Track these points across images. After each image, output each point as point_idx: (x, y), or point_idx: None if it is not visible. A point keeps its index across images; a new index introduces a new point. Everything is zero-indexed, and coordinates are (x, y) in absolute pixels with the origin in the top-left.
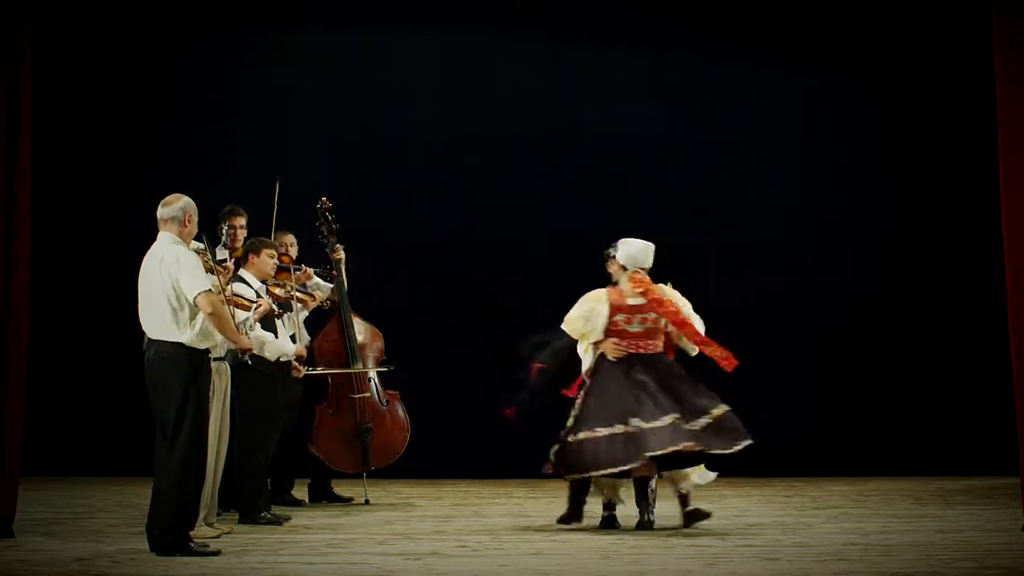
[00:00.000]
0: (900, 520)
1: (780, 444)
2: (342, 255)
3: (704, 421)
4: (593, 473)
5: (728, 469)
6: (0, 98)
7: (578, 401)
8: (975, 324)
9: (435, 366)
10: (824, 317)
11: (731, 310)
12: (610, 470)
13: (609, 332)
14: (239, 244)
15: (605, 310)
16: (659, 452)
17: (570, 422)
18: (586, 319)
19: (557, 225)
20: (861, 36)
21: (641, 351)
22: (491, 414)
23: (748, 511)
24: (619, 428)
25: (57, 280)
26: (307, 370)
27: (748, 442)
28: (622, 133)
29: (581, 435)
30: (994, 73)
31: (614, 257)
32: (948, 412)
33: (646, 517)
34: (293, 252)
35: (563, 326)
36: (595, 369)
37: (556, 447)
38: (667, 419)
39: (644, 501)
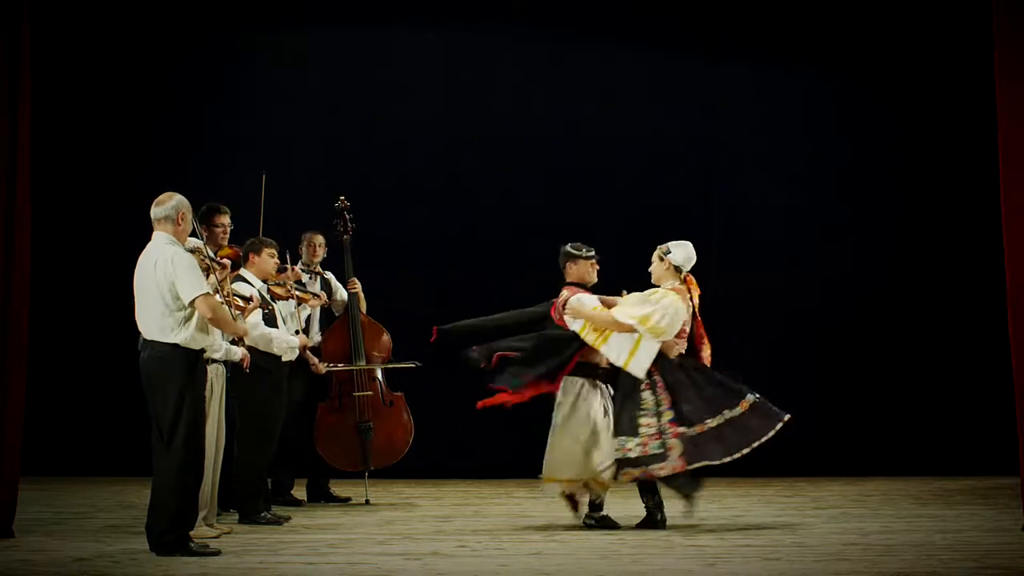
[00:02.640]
0: (900, 520)
1: (780, 444)
2: (358, 288)
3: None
4: (718, 461)
5: (728, 469)
6: (0, 98)
7: (659, 394)
8: (975, 324)
9: (435, 366)
10: (824, 317)
11: (731, 310)
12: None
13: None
14: (225, 242)
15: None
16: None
17: (666, 415)
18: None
19: (557, 225)
20: (861, 36)
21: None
22: (491, 414)
23: (748, 511)
24: (717, 420)
25: (57, 280)
26: (327, 367)
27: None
28: (622, 133)
29: (697, 428)
30: (994, 73)
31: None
32: (948, 412)
33: (659, 515)
34: (321, 253)
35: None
36: (659, 366)
37: (672, 441)
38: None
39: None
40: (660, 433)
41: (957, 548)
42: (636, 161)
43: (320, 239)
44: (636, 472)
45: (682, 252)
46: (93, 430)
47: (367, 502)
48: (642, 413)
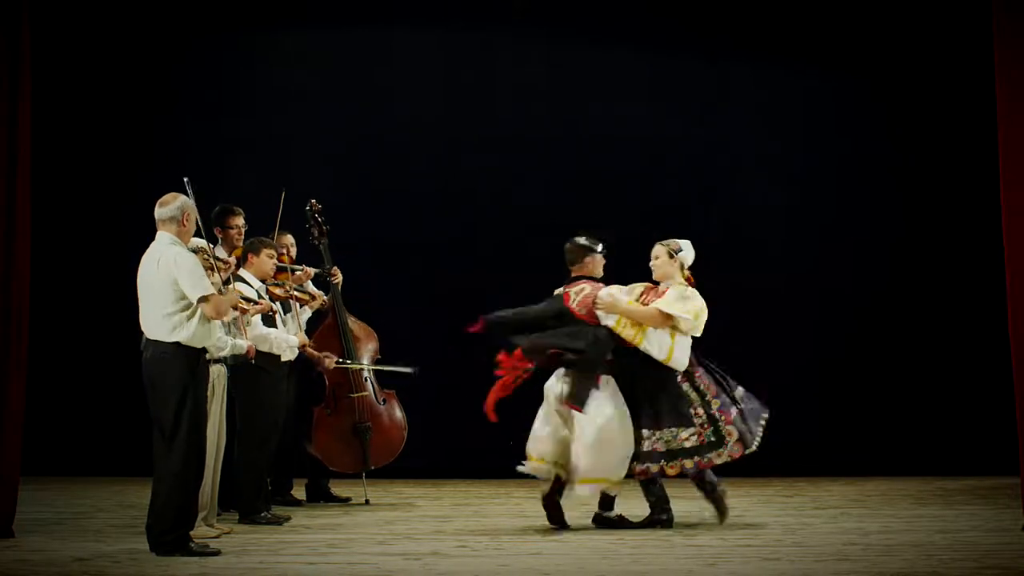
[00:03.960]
0: (900, 520)
1: (780, 444)
2: (339, 278)
3: None
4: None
5: (728, 469)
6: (0, 98)
7: (700, 384)
8: (975, 324)
9: (435, 366)
10: (824, 317)
11: (731, 310)
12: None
13: None
14: (240, 243)
15: None
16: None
17: (714, 404)
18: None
19: (557, 225)
20: (861, 36)
21: None
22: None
23: (748, 511)
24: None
25: (57, 280)
26: (338, 361)
27: None
28: (622, 133)
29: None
30: (994, 73)
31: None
32: (948, 412)
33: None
34: (292, 253)
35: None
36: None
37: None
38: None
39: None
40: (712, 421)
41: (957, 548)
42: (636, 161)
43: (290, 239)
44: (690, 463)
45: (690, 252)
46: (93, 430)
47: (367, 502)
48: (688, 403)
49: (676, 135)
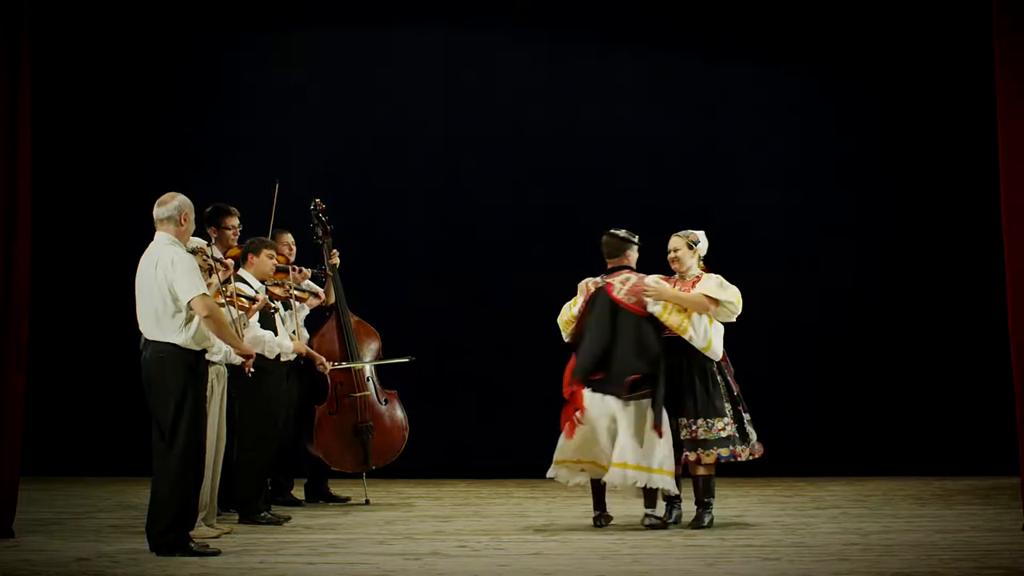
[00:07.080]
0: (900, 520)
1: (780, 444)
2: (337, 260)
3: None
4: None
5: (728, 469)
6: (0, 98)
7: (729, 378)
8: (975, 324)
9: (435, 366)
10: (824, 317)
11: None
12: None
13: None
14: (234, 243)
15: None
16: None
17: (740, 400)
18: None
19: (557, 225)
20: (861, 36)
21: None
22: (491, 414)
23: (748, 511)
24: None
25: (57, 280)
26: (333, 365)
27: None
28: (622, 133)
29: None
30: (994, 73)
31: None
32: (948, 412)
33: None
34: (292, 253)
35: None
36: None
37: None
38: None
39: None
40: (737, 417)
41: (957, 548)
42: (636, 161)
43: (290, 238)
44: (726, 451)
45: (706, 242)
46: (93, 430)
47: (367, 502)
48: (720, 394)
49: (676, 135)
